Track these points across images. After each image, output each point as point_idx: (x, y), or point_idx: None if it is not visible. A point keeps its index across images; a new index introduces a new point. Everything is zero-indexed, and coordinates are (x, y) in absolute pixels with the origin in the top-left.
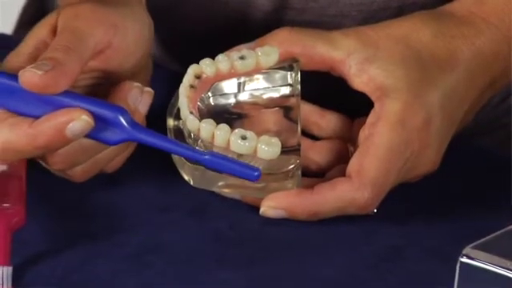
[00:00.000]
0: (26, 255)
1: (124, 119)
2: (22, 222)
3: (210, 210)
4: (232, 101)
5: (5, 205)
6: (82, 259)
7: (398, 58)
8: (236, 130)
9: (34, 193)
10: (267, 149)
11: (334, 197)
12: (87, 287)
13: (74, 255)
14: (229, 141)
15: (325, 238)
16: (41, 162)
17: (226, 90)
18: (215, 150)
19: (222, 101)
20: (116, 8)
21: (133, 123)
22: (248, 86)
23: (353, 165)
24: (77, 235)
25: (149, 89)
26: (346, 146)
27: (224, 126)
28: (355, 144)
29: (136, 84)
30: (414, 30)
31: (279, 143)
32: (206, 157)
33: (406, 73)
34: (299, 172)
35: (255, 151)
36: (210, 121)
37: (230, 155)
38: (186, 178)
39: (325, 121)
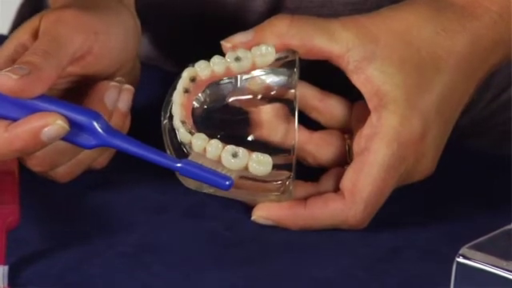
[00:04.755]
0: (22, 255)
1: (98, 125)
2: (17, 221)
3: (206, 210)
4: (229, 90)
5: None
6: (78, 259)
7: (396, 58)
8: (228, 147)
9: (29, 192)
10: (258, 167)
11: (326, 214)
12: (83, 287)
13: (69, 255)
14: (220, 156)
15: (322, 238)
16: (22, 162)
17: (222, 81)
18: (206, 161)
19: (219, 94)
20: (100, 14)
21: (107, 129)
22: (246, 76)
23: (346, 181)
24: (73, 235)
25: (128, 86)
26: (343, 139)
27: (215, 142)
28: (352, 134)
29: (113, 83)
30: (415, 25)
31: (270, 161)
32: (179, 165)
33: (403, 78)
34: (291, 188)
35: (246, 168)
36: (202, 136)
37: (220, 168)
38: (180, 178)
39: (324, 105)
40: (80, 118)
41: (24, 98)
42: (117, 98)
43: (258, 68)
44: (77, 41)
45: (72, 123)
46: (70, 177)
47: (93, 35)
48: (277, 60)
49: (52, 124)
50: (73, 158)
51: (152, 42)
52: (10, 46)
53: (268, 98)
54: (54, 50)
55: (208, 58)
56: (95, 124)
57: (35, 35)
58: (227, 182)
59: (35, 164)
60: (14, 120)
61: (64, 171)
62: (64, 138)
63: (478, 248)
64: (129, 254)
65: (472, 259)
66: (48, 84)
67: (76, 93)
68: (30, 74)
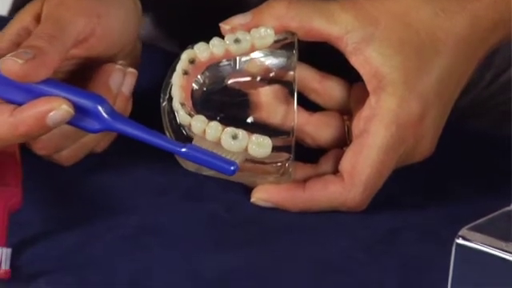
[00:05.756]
0: (23, 237)
1: (103, 109)
2: (19, 203)
3: (205, 192)
4: (228, 72)
5: (2, 187)
6: (79, 241)
7: (395, 40)
8: (228, 129)
9: (31, 175)
10: (258, 149)
11: (325, 197)
12: (84, 269)
13: (70, 237)
14: (220, 138)
15: (321, 220)
16: (27, 146)
17: (221, 63)
18: (205, 143)
19: (218, 76)
20: None
21: (112, 113)
22: (245, 58)
23: (345, 164)
24: (73, 217)
25: (132, 69)
26: (342, 120)
27: (215, 125)
28: (352, 116)
29: (118, 66)
30: (414, 6)
31: (270, 143)
32: (184, 149)
33: (402, 59)
34: (291, 170)
35: (246, 150)
36: (201, 118)
37: (220, 150)
38: (179, 160)
39: (323, 87)
40: (85, 102)
41: (29, 83)
42: (121, 82)
43: (257, 50)
44: (80, 23)
45: (77, 107)
46: (74, 160)
47: (95, 18)
48: (276, 42)
49: (57, 109)
50: (77, 141)
51: (153, 21)
52: (12, 30)
53: (267, 80)
54: (57, 33)
55: (209, 38)
56: (100, 108)
57: (38, 19)
58: (232, 168)
59: (40, 148)
60: (19, 104)
61: (68, 154)
62: (69, 122)
63: (478, 229)
64: (129, 236)
65: (472, 241)
66: (53, 68)
67: (79, 75)
68: (35, 59)
